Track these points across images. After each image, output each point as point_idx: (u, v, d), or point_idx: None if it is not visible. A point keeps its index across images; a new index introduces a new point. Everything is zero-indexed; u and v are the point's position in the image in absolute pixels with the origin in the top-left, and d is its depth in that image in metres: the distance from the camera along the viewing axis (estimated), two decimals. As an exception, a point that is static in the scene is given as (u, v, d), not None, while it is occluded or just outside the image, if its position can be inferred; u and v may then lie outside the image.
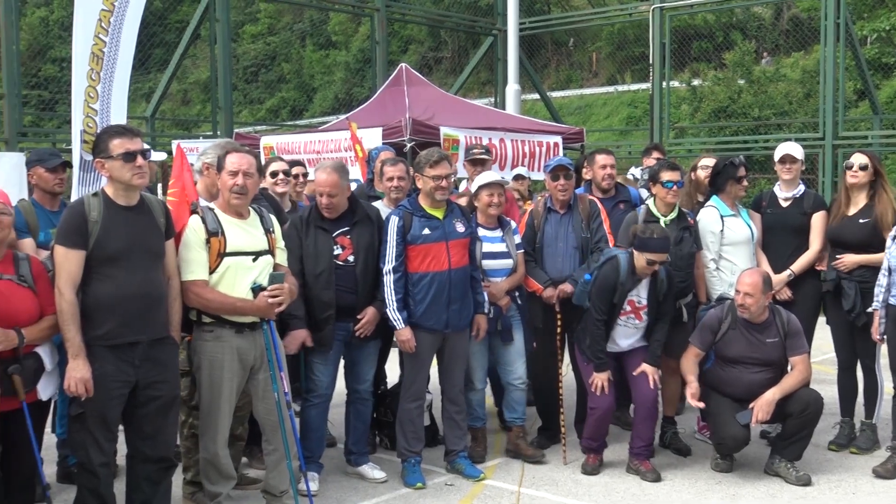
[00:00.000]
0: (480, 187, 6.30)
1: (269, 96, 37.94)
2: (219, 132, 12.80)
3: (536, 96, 20.85)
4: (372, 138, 9.71)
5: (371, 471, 6.15)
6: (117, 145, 4.59)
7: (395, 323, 5.87)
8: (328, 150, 10.47)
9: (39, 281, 4.63)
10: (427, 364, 6.15)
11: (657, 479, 6.10)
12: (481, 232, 6.30)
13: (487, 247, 6.28)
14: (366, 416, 6.27)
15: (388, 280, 5.87)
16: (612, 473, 6.25)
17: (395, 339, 6.10)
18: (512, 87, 14.05)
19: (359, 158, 8.76)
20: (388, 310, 5.86)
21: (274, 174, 6.48)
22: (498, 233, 6.35)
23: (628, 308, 6.17)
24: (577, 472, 6.28)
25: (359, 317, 5.84)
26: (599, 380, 6.11)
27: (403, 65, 12.20)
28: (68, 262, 4.44)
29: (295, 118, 34.68)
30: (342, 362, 6.16)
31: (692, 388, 6.19)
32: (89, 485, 4.60)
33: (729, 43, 23.81)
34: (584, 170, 7.33)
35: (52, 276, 4.59)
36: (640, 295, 6.16)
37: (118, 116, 9.36)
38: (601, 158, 7.12)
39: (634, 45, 27.55)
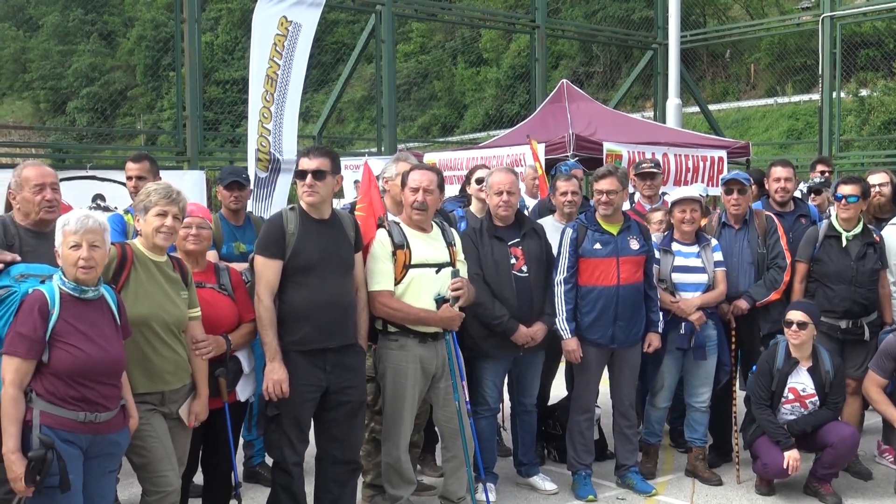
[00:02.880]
0: (673, 204, 6.32)
1: (420, 114, 38.71)
2: (383, 149, 13.20)
3: (694, 109, 20.51)
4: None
5: (542, 482, 6.23)
6: (298, 164, 4.88)
7: (562, 333, 5.95)
8: (491, 167, 10.65)
9: (238, 290, 4.95)
10: (595, 377, 6.19)
11: (838, 502, 5.93)
12: (675, 246, 6.30)
13: (680, 261, 6.27)
14: (532, 427, 6.34)
15: (560, 290, 5.96)
16: (790, 494, 6.11)
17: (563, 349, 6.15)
18: (673, 101, 13.86)
19: (539, 175, 8.86)
20: (557, 319, 5.94)
21: (480, 181, 6.57)
22: (694, 248, 6.31)
23: (791, 396, 6.04)
24: (751, 492, 6.17)
25: (528, 329, 5.89)
26: (792, 459, 5.88)
27: (564, 81, 12.27)
28: (267, 271, 4.74)
29: (446, 135, 35.24)
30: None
31: None
32: (283, 483, 4.89)
33: (900, 50, 22.77)
34: (766, 182, 7.20)
35: (250, 287, 4.90)
36: (804, 382, 6.02)
37: (289, 136, 9.86)
38: (775, 171, 6.94)
39: (796, 56, 26.65)
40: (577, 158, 9.61)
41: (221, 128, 32.56)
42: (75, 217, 3.93)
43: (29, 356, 3.76)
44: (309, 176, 4.81)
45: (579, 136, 10.01)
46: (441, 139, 30.62)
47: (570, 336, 5.93)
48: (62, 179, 10.51)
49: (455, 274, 5.23)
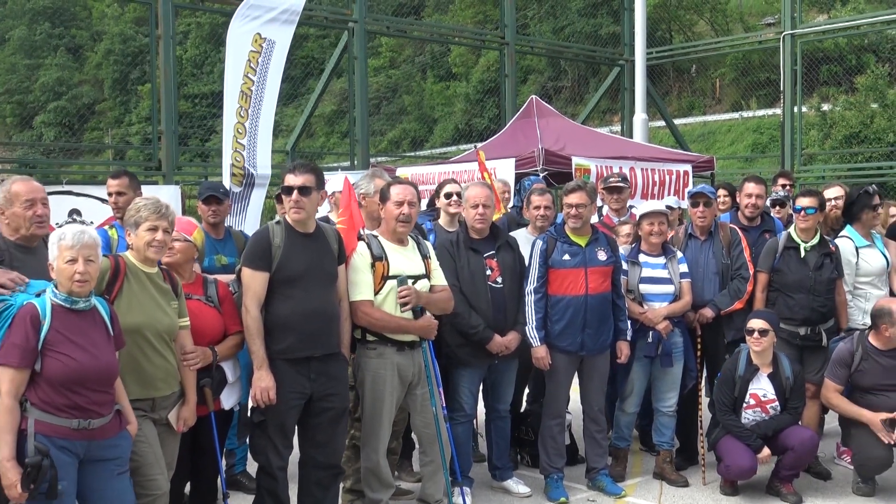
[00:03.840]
0: (641, 217, 6.58)
1: (390, 128, 38.93)
2: (356, 163, 13.38)
3: (660, 123, 20.92)
4: (505, 169, 10.04)
5: (516, 485, 6.43)
6: (284, 180, 5.07)
7: (531, 341, 6.17)
8: (462, 181, 10.86)
9: (225, 302, 5.12)
10: (565, 383, 6.42)
11: (798, 501, 6.19)
12: (642, 258, 6.56)
13: (647, 272, 6.52)
14: (506, 432, 6.55)
15: (530, 300, 6.18)
16: (753, 493, 6.36)
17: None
18: (639, 117, 14.19)
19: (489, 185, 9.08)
20: (527, 328, 6.16)
21: (448, 195, 6.75)
22: (661, 259, 6.57)
23: (752, 402, 6.31)
24: (717, 492, 6.42)
25: (502, 338, 6.10)
26: (764, 456, 6.21)
27: (534, 97, 12.57)
28: (254, 283, 4.92)
29: (415, 149, 35.46)
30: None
31: (877, 420, 6.15)
32: (268, 487, 5.05)
33: (860, 66, 23.30)
34: (738, 195, 7.47)
35: (237, 298, 5.07)
36: (765, 388, 6.30)
37: (263, 151, 10.02)
38: (748, 186, 7.20)
39: (759, 71, 27.19)
40: (546, 173, 9.87)
41: (190, 142, 32.58)
42: (71, 232, 4.07)
43: (22, 365, 3.90)
44: (295, 192, 4.97)
45: (549, 150, 10.25)
46: (411, 154, 30.80)
47: (539, 344, 6.16)
48: (38, 194, 10.50)
49: (402, 282, 5.39)
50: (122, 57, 48.28)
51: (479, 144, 12.20)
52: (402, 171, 11.80)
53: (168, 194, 10.60)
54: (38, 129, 47.78)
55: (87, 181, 12.16)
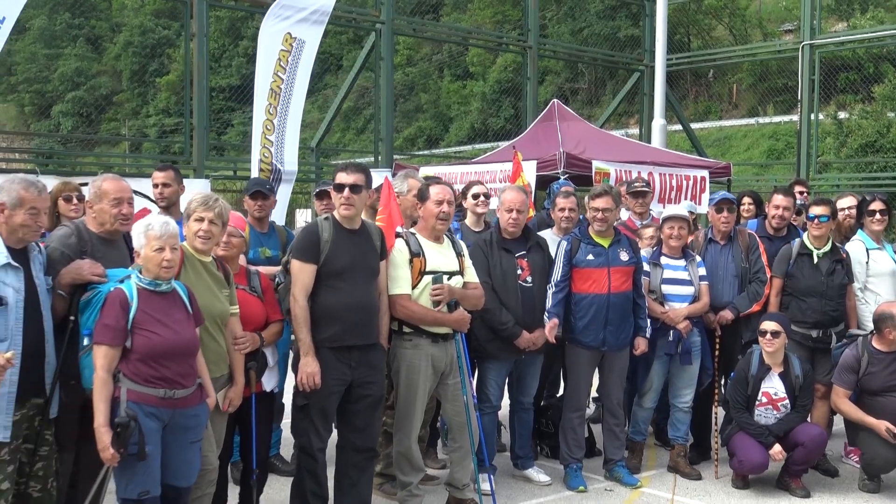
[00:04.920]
0: (663, 220, 6.89)
1: (406, 126, 39.15)
2: (380, 160, 13.67)
3: (677, 127, 21.15)
4: (527, 171, 10.32)
5: (537, 474, 6.74)
6: (336, 178, 5.37)
7: (546, 316, 6.39)
8: (486, 181, 11.13)
9: (267, 292, 5.46)
10: (586, 378, 6.73)
11: (807, 495, 6.48)
12: (664, 260, 6.86)
13: (669, 273, 6.83)
14: (529, 423, 6.86)
15: (551, 293, 6.48)
16: (763, 488, 6.64)
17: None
18: (658, 122, 14.41)
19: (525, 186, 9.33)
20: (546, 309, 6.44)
21: (476, 196, 7.08)
22: (681, 262, 6.87)
23: (764, 399, 6.59)
24: (728, 486, 6.71)
25: (530, 335, 6.37)
26: (777, 453, 6.47)
27: (555, 100, 12.82)
28: (303, 274, 5.23)
29: (431, 147, 35.67)
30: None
31: (882, 427, 6.42)
32: (308, 466, 5.36)
33: (878, 75, 23.42)
34: (766, 206, 7.73)
35: (284, 287, 5.39)
36: (776, 386, 6.58)
37: (291, 148, 10.33)
38: (776, 198, 7.44)
39: (777, 77, 27.29)
40: (567, 175, 10.14)
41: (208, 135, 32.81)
42: (158, 223, 4.48)
43: (114, 343, 4.33)
44: (347, 189, 5.27)
45: (569, 154, 10.50)
46: (426, 152, 31.04)
47: (550, 318, 6.37)
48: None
49: (437, 280, 5.68)
50: (140, 49, 48.58)
51: (503, 144, 12.49)
52: (425, 171, 12.09)
53: (198, 188, 10.93)
54: (56, 118, 48.15)
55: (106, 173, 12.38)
